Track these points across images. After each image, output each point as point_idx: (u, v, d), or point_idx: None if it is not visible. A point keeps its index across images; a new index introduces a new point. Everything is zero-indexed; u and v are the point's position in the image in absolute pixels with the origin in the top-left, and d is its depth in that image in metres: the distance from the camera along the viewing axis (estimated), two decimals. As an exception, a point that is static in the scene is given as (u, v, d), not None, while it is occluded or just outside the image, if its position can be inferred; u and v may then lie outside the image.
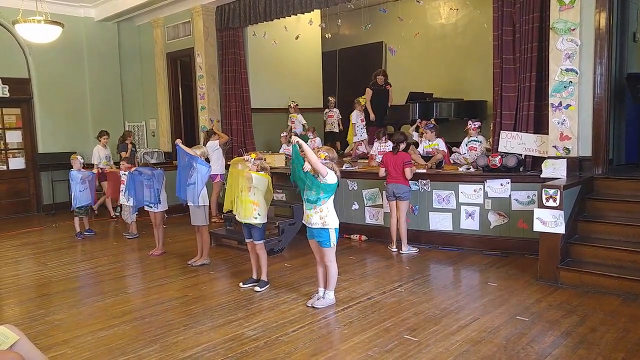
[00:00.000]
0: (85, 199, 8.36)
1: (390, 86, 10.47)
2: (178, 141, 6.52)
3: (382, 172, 6.91)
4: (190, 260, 6.64)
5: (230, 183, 5.64)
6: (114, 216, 10.08)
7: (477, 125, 7.61)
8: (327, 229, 4.79)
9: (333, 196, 4.84)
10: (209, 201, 6.60)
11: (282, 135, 10.11)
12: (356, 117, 9.92)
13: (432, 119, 9.22)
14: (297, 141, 4.67)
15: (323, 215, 4.77)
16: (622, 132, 7.44)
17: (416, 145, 8.46)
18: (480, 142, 7.47)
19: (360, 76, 12.99)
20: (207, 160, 6.71)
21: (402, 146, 6.83)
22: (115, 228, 9.30)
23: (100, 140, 10.28)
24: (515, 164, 6.56)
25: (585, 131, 6.20)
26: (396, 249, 6.93)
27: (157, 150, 11.52)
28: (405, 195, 6.75)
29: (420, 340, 4.11)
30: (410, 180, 6.77)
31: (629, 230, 5.52)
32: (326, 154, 4.82)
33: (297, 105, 10.83)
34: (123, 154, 10.16)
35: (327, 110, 11.05)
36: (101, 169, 9.85)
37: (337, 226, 4.88)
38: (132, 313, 4.96)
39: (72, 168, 8.37)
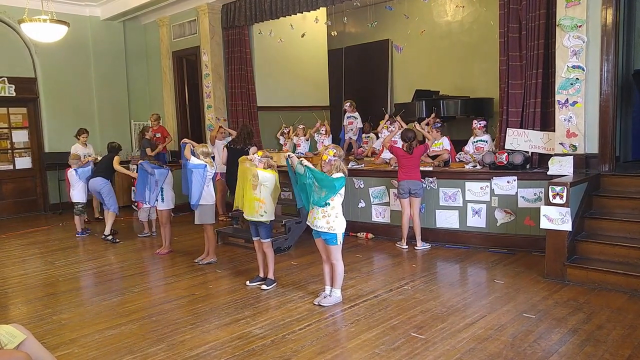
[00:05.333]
0: (81, 197, 8.37)
1: None
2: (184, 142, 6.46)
3: (392, 162, 6.95)
4: (197, 259, 6.66)
5: (240, 181, 5.63)
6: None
7: (482, 125, 7.51)
8: (334, 233, 4.80)
9: (342, 199, 4.82)
10: (215, 200, 6.60)
11: (299, 127, 9.72)
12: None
13: (432, 115, 9.15)
14: (289, 155, 5.00)
15: (330, 220, 4.77)
16: (629, 128, 7.40)
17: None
18: (486, 142, 7.43)
19: (367, 74, 13.00)
20: (213, 158, 6.68)
21: (414, 143, 6.86)
22: (120, 227, 9.30)
23: (79, 139, 9.69)
24: (522, 161, 6.54)
25: (592, 128, 6.17)
26: (407, 246, 6.96)
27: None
28: (420, 191, 6.84)
29: (427, 338, 4.11)
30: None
31: (636, 227, 5.49)
32: (334, 151, 4.84)
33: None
34: (148, 150, 9.76)
35: (348, 115, 10.19)
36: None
37: (344, 230, 4.89)
38: (138, 312, 4.97)
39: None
